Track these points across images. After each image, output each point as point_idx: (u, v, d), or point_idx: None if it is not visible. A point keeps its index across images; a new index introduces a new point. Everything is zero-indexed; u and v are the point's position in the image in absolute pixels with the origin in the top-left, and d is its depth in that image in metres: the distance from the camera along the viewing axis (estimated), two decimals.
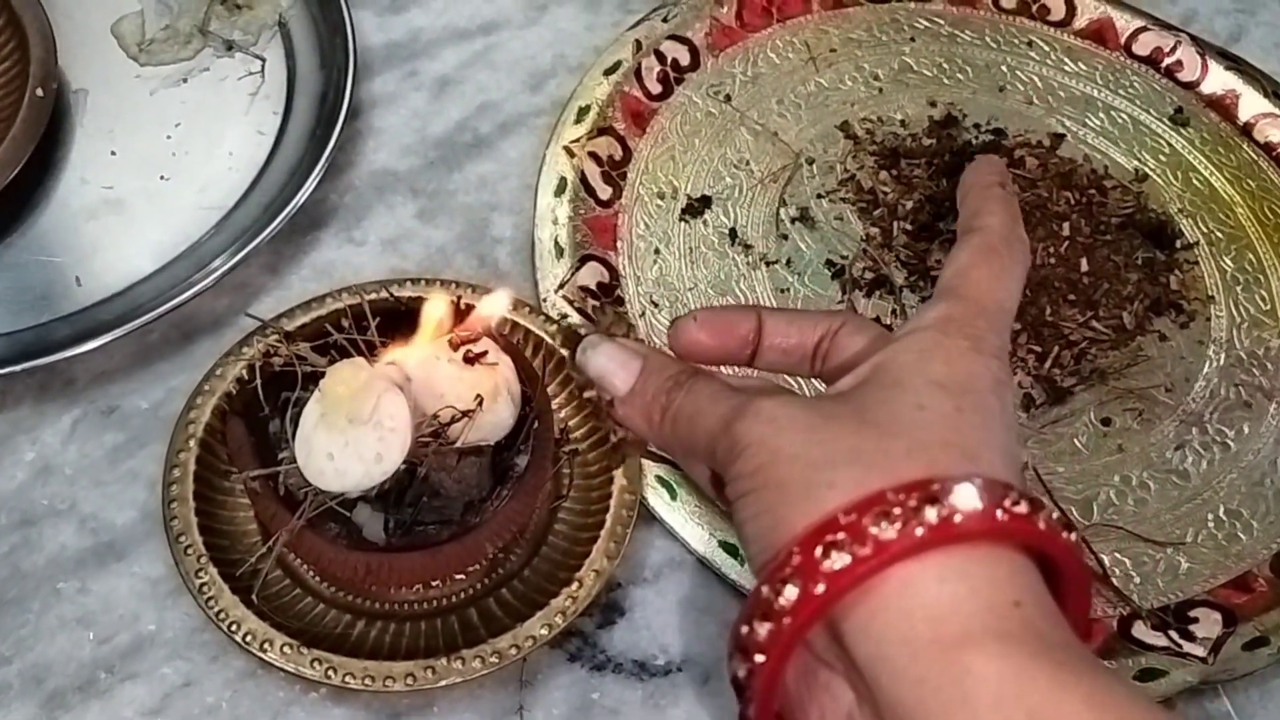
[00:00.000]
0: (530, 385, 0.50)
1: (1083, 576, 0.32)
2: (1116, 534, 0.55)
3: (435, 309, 0.48)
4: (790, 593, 0.30)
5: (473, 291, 0.55)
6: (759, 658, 0.31)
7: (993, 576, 0.30)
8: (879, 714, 0.30)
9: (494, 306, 0.48)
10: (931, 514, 0.30)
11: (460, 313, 0.49)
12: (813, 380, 0.45)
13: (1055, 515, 0.32)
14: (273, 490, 0.47)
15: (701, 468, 0.38)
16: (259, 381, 0.48)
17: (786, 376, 0.53)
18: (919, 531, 0.29)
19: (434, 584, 0.50)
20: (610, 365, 0.37)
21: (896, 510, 0.30)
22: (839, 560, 0.29)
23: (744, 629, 0.31)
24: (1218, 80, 0.72)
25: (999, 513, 0.30)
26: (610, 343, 0.38)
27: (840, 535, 0.30)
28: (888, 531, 0.29)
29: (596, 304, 0.58)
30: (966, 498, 0.30)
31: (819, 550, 0.30)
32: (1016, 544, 0.31)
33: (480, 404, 0.47)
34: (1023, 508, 0.31)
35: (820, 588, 0.30)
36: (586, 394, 0.40)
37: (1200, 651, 0.52)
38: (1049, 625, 0.30)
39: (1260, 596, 0.54)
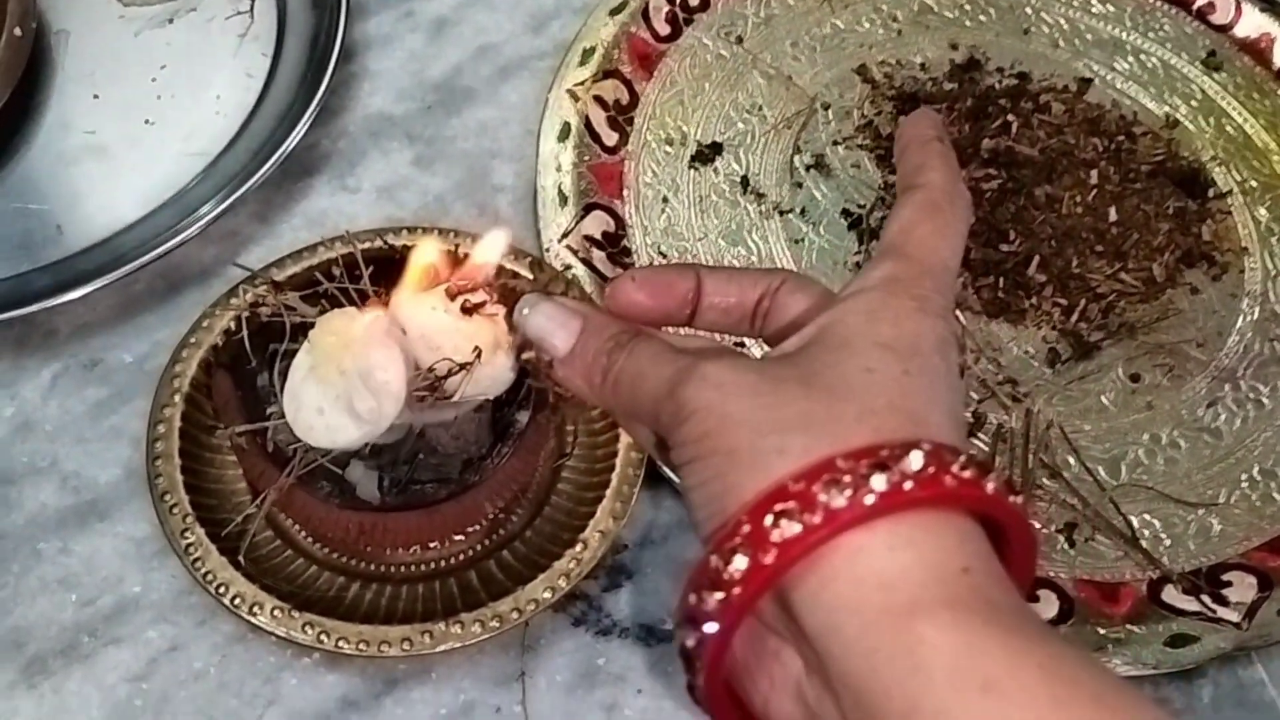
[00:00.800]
0: None
1: (1029, 540, 0.32)
2: (1146, 494, 0.53)
3: (425, 253, 0.45)
4: (740, 562, 0.29)
5: (471, 241, 0.53)
6: (708, 628, 0.30)
7: (942, 544, 0.30)
8: (828, 683, 0.30)
9: (491, 251, 0.45)
10: (881, 481, 0.29)
11: (458, 261, 0.46)
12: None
13: (1002, 478, 0.31)
14: (260, 447, 0.44)
15: (645, 430, 0.37)
16: (246, 333, 0.46)
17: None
18: (869, 499, 0.29)
19: (431, 545, 0.48)
20: (549, 325, 0.36)
21: (846, 478, 0.29)
22: (789, 529, 0.29)
23: (692, 599, 0.30)
24: (1252, 23, 0.68)
25: (947, 479, 0.29)
26: (549, 302, 0.37)
27: (790, 504, 0.29)
28: (838, 499, 0.29)
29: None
30: (915, 464, 0.29)
31: (768, 519, 0.29)
32: (964, 509, 0.30)
33: (479, 356, 0.45)
34: (970, 473, 0.30)
35: (770, 557, 0.29)
36: (525, 355, 0.39)
37: (1234, 616, 0.49)
38: (998, 591, 0.30)
39: None
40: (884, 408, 0.31)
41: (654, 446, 0.36)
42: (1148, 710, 0.28)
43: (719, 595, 0.29)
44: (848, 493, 0.29)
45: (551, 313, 0.36)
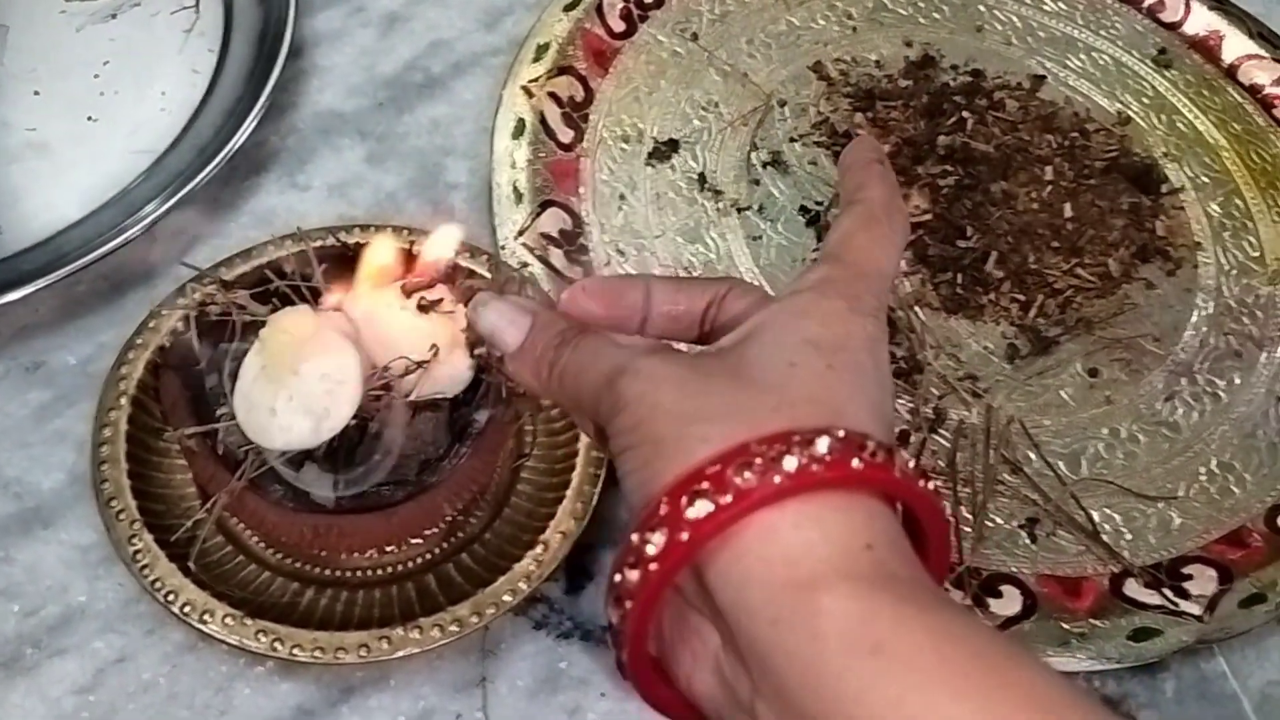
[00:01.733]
0: None
1: (939, 522, 0.34)
2: (1106, 489, 0.53)
3: (380, 251, 0.44)
4: (657, 540, 0.31)
5: (424, 237, 0.52)
6: (629, 604, 0.31)
7: (847, 522, 0.31)
8: (740, 655, 0.32)
9: (443, 246, 0.44)
10: (790, 463, 0.31)
11: (412, 259, 0.45)
12: None
13: (911, 464, 0.33)
14: (210, 449, 0.43)
15: (589, 422, 0.38)
16: (195, 332, 0.44)
17: None
18: (777, 479, 0.31)
19: (388, 549, 0.47)
20: (500, 322, 0.38)
21: (758, 460, 0.31)
22: (702, 508, 0.31)
23: (616, 577, 0.32)
24: (1201, 20, 0.69)
25: (855, 461, 0.31)
26: (500, 300, 0.38)
27: (705, 485, 0.31)
28: (749, 480, 0.31)
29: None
30: (823, 448, 0.31)
31: (684, 500, 0.31)
32: (874, 491, 0.32)
33: (435, 354, 0.44)
34: (880, 457, 0.32)
35: (684, 535, 0.31)
36: (477, 351, 0.41)
37: (1196, 609, 0.50)
38: (900, 566, 0.31)
39: (1256, 552, 0.52)
40: (803, 399, 0.32)
41: (598, 438, 0.37)
42: (1026, 664, 0.29)
43: (638, 572, 0.31)
44: (758, 474, 0.30)
45: (502, 310, 0.38)
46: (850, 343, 0.34)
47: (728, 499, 0.30)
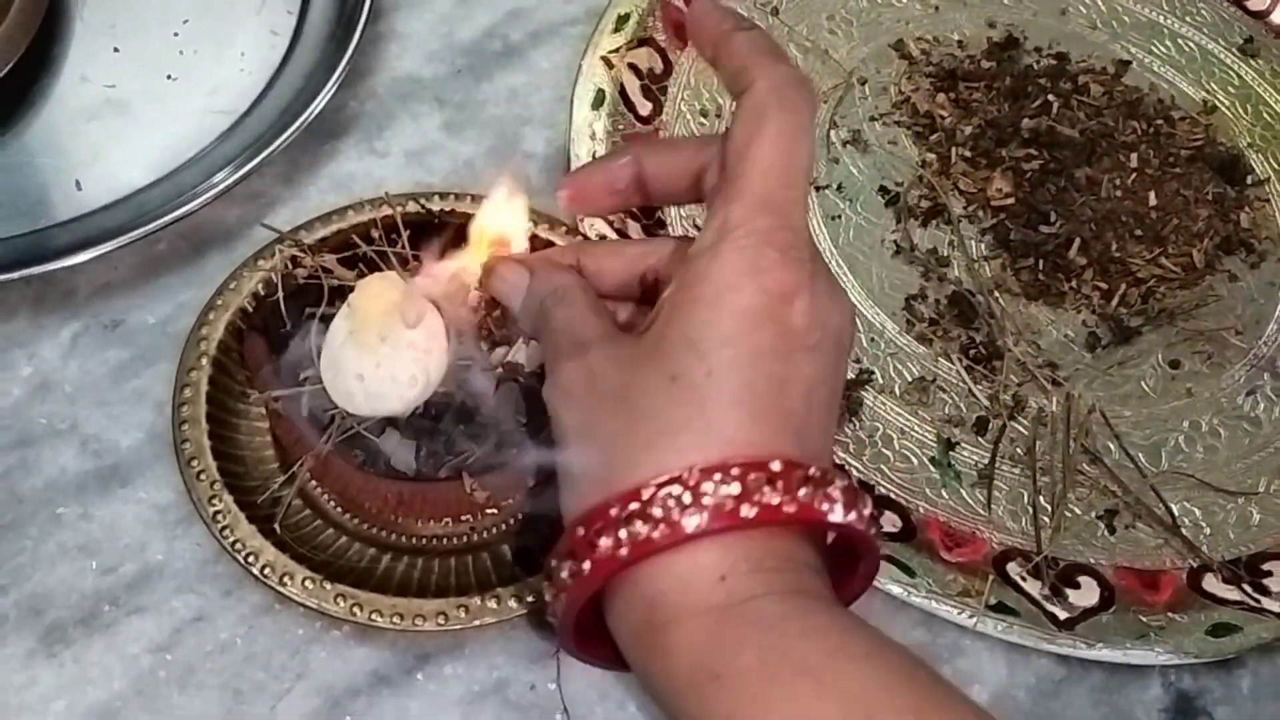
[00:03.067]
0: None
1: (821, 527, 0.36)
2: (1185, 482, 0.52)
3: (489, 221, 0.43)
4: (566, 573, 0.35)
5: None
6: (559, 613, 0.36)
7: (701, 562, 0.33)
8: None
9: (514, 216, 0.44)
10: (639, 529, 0.33)
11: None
12: None
13: (766, 484, 0.33)
14: (297, 413, 0.43)
15: None
16: (281, 294, 0.44)
17: None
18: (623, 553, 0.33)
19: (464, 518, 0.46)
20: (503, 287, 0.40)
21: (610, 530, 0.34)
22: (568, 569, 0.35)
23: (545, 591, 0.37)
24: None
25: (693, 520, 0.33)
26: (503, 263, 0.41)
27: (572, 548, 0.35)
28: (604, 548, 0.34)
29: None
30: (660, 511, 0.33)
31: (561, 567, 0.35)
32: (727, 529, 0.33)
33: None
34: (727, 497, 0.33)
35: (577, 577, 0.35)
36: (495, 312, 0.43)
37: (1276, 607, 0.49)
38: (759, 585, 0.33)
39: None
40: (677, 427, 0.34)
41: None
42: (858, 669, 0.32)
43: (553, 592, 0.36)
44: (611, 544, 0.34)
45: (504, 273, 0.40)
46: (742, 324, 0.34)
47: (586, 566, 0.34)
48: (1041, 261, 0.56)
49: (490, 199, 0.44)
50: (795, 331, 0.34)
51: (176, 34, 0.58)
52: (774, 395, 0.34)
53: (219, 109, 0.55)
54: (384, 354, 0.41)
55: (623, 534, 0.33)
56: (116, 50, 0.57)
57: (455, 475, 0.42)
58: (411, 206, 0.50)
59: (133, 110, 0.55)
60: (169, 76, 0.56)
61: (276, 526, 0.43)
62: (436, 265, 0.44)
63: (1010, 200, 0.58)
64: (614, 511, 0.33)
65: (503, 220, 0.44)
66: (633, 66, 0.59)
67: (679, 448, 0.34)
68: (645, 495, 0.33)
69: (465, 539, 0.47)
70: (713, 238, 0.35)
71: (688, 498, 0.33)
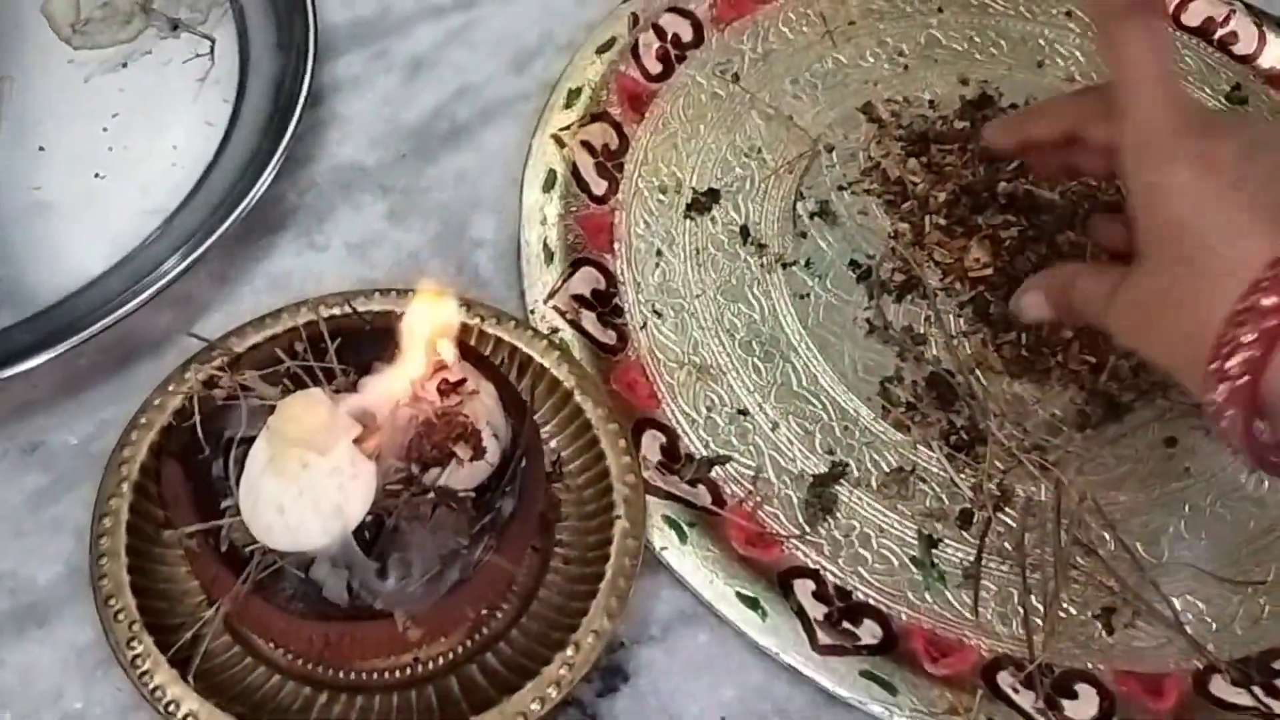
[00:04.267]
0: (517, 417, 0.43)
1: None
2: (1188, 573, 0.49)
3: (419, 323, 0.40)
4: (1219, 394, 0.40)
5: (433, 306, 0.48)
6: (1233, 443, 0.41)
7: None
8: None
9: (444, 318, 0.41)
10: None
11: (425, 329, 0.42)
12: None
13: None
14: (214, 548, 0.40)
15: None
16: (198, 418, 0.41)
17: None
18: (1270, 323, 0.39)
19: (408, 653, 0.43)
20: (1030, 311, 0.49)
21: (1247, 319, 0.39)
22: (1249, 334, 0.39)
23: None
24: (1276, 52, 0.65)
25: None
26: (1022, 294, 0.49)
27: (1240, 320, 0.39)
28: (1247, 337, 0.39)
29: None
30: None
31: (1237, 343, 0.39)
32: None
33: (461, 442, 0.40)
34: None
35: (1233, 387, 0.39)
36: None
37: None
38: None
39: None
40: (1234, 262, 0.40)
41: None
42: None
43: (1219, 422, 0.40)
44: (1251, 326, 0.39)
45: (1027, 300, 0.49)
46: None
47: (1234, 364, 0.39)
48: (1024, 335, 0.53)
49: (417, 304, 0.41)
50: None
51: (106, 129, 0.55)
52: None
53: (150, 207, 0.52)
54: (305, 482, 0.38)
55: (1240, 343, 0.38)
56: (42, 149, 0.54)
57: (386, 613, 0.39)
58: (345, 309, 0.46)
59: (59, 212, 0.53)
60: (97, 175, 0.54)
61: (191, 678, 0.40)
62: (366, 380, 0.41)
63: (989, 270, 0.54)
64: (1226, 334, 0.39)
65: (434, 326, 0.41)
66: (586, 144, 0.56)
67: (1230, 282, 0.39)
68: (1238, 315, 0.38)
69: (409, 672, 0.43)
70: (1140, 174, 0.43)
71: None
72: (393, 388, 0.40)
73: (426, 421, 0.40)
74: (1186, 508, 0.50)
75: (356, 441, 0.39)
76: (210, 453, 0.41)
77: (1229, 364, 0.39)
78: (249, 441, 0.40)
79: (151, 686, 0.40)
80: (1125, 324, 0.44)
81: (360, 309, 0.47)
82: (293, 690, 0.42)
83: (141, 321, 0.50)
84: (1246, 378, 0.39)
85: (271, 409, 0.40)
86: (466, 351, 0.43)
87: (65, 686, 0.43)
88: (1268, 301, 0.38)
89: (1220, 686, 0.46)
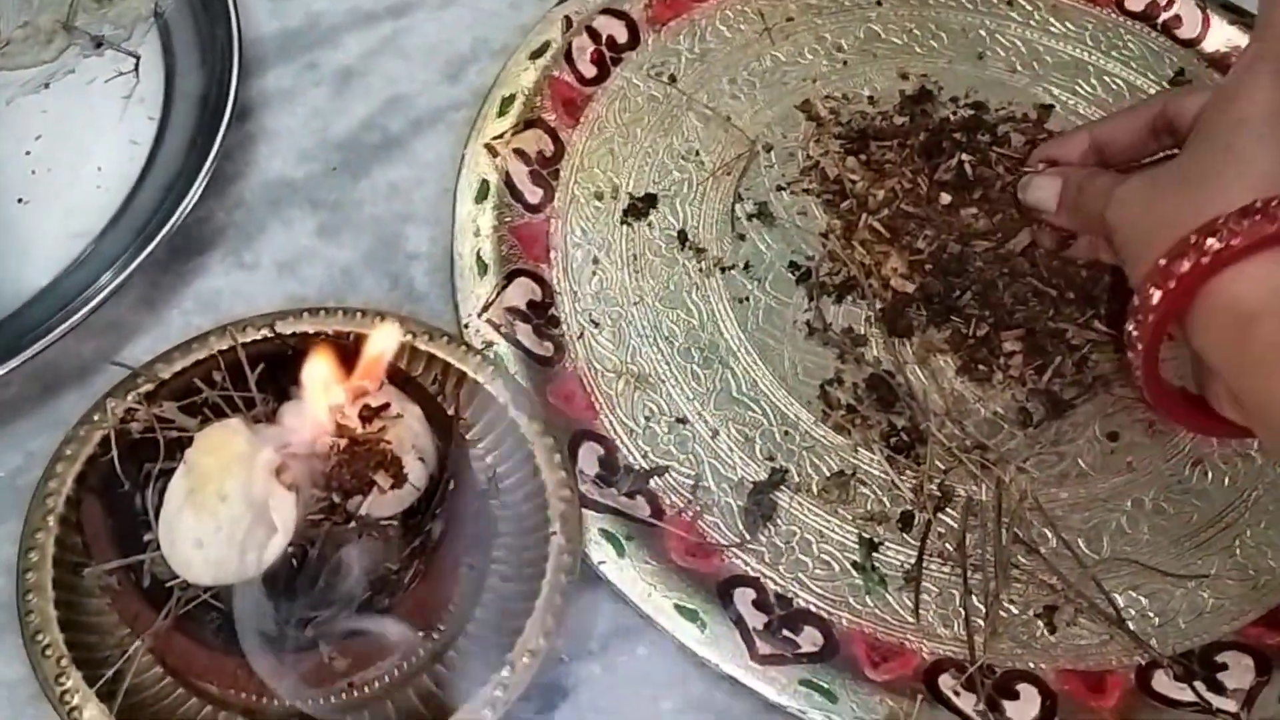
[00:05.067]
0: (444, 439, 0.42)
1: None
2: (1130, 568, 0.48)
3: (319, 363, 0.40)
4: (1135, 323, 0.43)
5: (376, 320, 0.48)
6: (1139, 346, 0.43)
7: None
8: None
9: (384, 342, 0.40)
10: (1209, 245, 0.40)
11: (349, 351, 0.41)
12: None
13: None
14: (134, 584, 0.39)
15: None
16: (115, 452, 0.40)
17: None
18: (1235, 242, 0.40)
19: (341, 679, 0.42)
20: (1041, 194, 0.51)
21: (1190, 251, 0.40)
22: (1181, 268, 0.41)
23: (1130, 326, 0.43)
24: (1221, 36, 0.64)
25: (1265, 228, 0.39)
26: (1037, 175, 0.52)
27: (1185, 250, 0.41)
28: (1182, 268, 0.40)
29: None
30: (1231, 229, 0.40)
31: (1148, 286, 0.42)
32: None
33: (385, 470, 0.40)
34: None
35: (1170, 284, 0.41)
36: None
37: (1232, 706, 0.45)
38: None
39: None
40: (1234, 181, 0.41)
41: None
42: None
43: (1135, 322, 0.43)
44: (1187, 262, 0.40)
45: (1040, 183, 0.51)
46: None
47: (1171, 283, 0.41)
48: (966, 325, 0.53)
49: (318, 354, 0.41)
50: None
51: (29, 152, 0.54)
52: None
53: (74, 231, 0.52)
54: (224, 515, 0.38)
55: (1204, 250, 0.40)
56: None
57: (311, 644, 0.39)
58: (265, 332, 0.46)
59: None
60: (20, 200, 0.53)
61: (113, 715, 0.39)
62: (286, 407, 0.41)
63: (909, 286, 0.54)
64: (1194, 238, 0.40)
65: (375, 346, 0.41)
66: (519, 152, 0.56)
67: (1243, 187, 0.41)
68: (1219, 222, 0.40)
69: (344, 697, 0.43)
70: (1243, 65, 0.43)
71: (1257, 218, 0.39)
72: (313, 416, 0.40)
73: (347, 449, 0.40)
74: (1129, 503, 0.50)
75: (276, 473, 0.39)
76: (130, 486, 0.41)
77: (1177, 264, 0.40)
78: (169, 474, 0.40)
79: None
80: (1123, 212, 0.45)
81: (286, 330, 0.47)
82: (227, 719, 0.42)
83: (68, 349, 0.49)
84: (1176, 286, 0.41)
85: (190, 440, 0.39)
86: (394, 374, 0.43)
87: None
88: (1246, 222, 0.39)
89: (1163, 682, 0.46)
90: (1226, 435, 0.49)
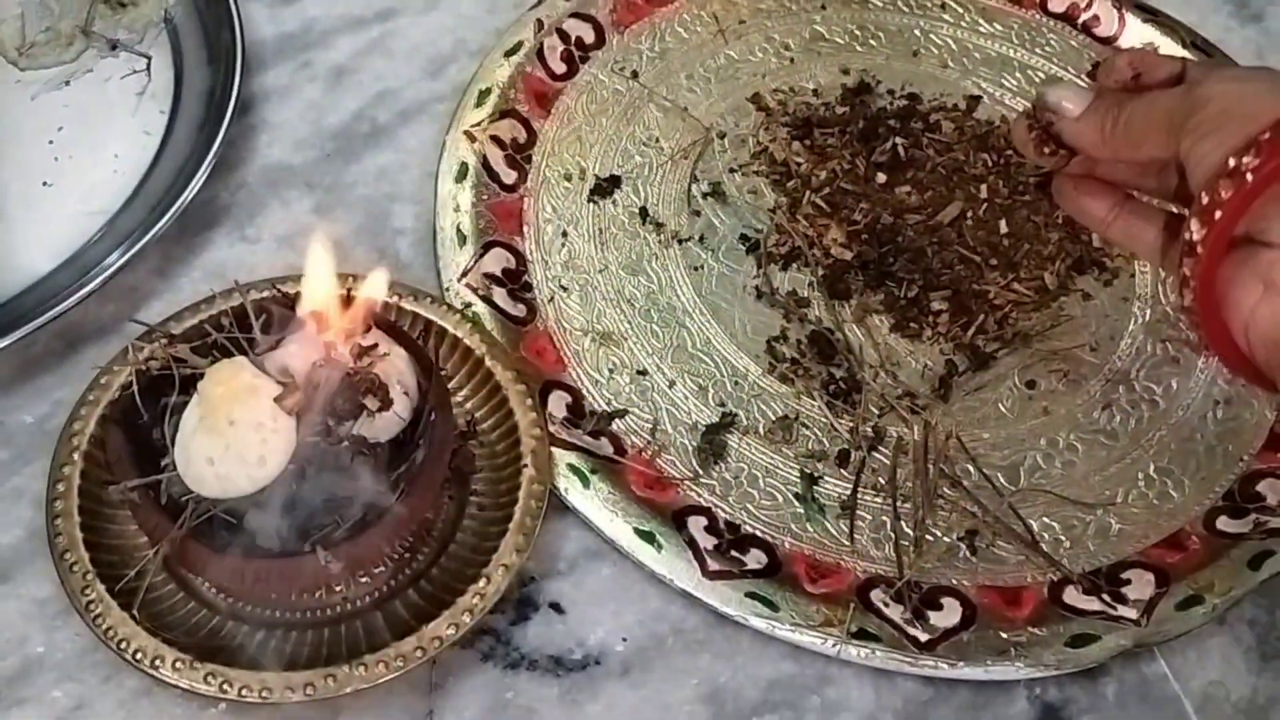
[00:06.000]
0: (425, 376, 0.48)
1: None
2: (1044, 498, 0.54)
3: (315, 293, 0.45)
4: (1248, 159, 0.40)
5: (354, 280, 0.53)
6: (1217, 214, 0.41)
7: None
8: None
9: (372, 289, 0.46)
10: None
11: (345, 303, 0.47)
12: None
13: None
14: (153, 500, 0.44)
15: (1149, 226, 0.49)
16: (136, 387, 0.46)
17: None
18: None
19: (336, 588, 0.48)
20: (1067, 93, 0.47)
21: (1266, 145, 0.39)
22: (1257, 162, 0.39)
23: (1186, 235, 0.42)
24: (1135, 34, 0.70)
25: None
26: (1066, 80, 0.53)
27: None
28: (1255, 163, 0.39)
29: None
30: None
31: (1247, 157, 0.40)
32: None
33: (371, 396, 0.45)
34: None
35: (1246, 181, 0.40)
36: (1042, 123, 0.48)
37: (1133, 614, 0.50)
38: None
39: (1193, 554, 0.52)
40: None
41: (1154, 248, 0.49)
42: None
43: (1231, 182, 0.40)
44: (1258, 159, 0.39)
45: (1068, 86, 0.48)
46: None
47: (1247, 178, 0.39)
48: (898, 288, 0.58)
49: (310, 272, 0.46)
50: None
51: (52, 141, 0.60)
52: None
53: (94, 210, 0.57)
54: (232, 436, 0.43)
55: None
56: None
57: (309, 551, 0.44)
58: (269, 291, 0.51)
59: (9, 218, 0.57)
60: (45, 183, 0.59)
61: (135, 613, 0.45)
62: (286, 344, 0.46)
63: (847, 254, 0.60)
64: (1267, 135, 0.39)
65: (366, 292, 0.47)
66: (495, 138, 0.62)
67: None
68: None
69: (337, 609, 0.48)
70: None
71: None
72: (310, 350, 0.45)
73: (340, 379, 0.45)
74: (1044, 442, 0.56)
75: (277, 400, 0.44)
76: (149, 418, 0.46)
77: (1259, 161, 0.39)
78: (183, 407, 0.45)
79: (104, 627, 0.45)
80: (1218, 88, 0.42)
81: (285, 290, 0.52)
82: (232, 628, 0.47)
83: (89, 312, 0.55)
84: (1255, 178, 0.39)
85: (201, 376, 0.45)
86: (381, 322, 0.49)
87: (28, 633, 0.47)
88: None
89: (1073, 595, 0.51)
90: (1241, 371, 0.46)
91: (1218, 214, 0.41)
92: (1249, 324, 0.43)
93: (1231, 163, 0.40)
